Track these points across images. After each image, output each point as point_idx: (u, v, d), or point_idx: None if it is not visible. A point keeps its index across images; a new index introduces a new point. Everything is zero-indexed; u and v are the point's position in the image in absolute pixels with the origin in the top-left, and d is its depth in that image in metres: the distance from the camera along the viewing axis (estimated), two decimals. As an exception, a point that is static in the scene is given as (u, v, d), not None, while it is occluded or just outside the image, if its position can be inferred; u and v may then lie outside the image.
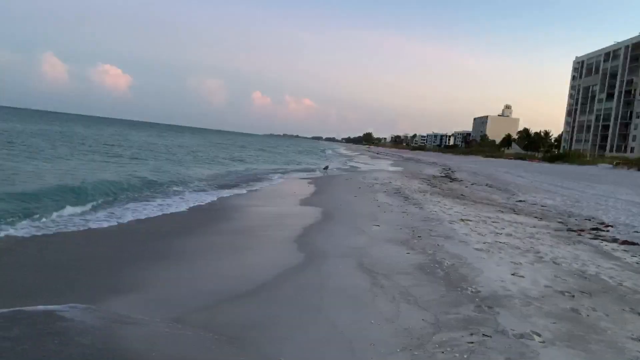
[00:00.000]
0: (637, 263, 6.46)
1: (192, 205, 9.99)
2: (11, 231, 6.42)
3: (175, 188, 12.13)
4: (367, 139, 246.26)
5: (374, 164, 42.97)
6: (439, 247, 7.04)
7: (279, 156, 39.19)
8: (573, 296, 4.96)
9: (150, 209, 8.93)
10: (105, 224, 7.42)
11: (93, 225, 7.25)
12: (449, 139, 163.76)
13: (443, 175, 26.73)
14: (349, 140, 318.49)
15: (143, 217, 8.25)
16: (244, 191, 13.11)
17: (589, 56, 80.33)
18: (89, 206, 8.35)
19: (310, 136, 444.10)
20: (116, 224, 7.50)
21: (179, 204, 9.88)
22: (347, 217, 9.80)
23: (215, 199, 11.11)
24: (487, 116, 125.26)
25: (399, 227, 8.62)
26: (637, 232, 8.89)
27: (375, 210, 10.63)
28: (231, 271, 5.56)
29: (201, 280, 5.18)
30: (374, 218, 9.57)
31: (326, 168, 25.03)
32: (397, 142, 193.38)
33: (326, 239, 7.50)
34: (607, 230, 8.95)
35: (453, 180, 22.75)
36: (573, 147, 77.52)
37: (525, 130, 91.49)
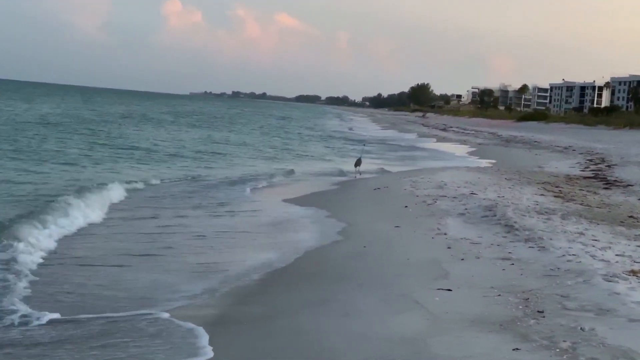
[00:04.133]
0: None
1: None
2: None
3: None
4: (417, 99, 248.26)
5: (433, 152, 43.51)
6: (584, 333, 7.02)
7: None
8: None
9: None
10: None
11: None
12: (599, 94, 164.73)
13: (589, 174, 26.87)
14: (379, 103, 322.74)
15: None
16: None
17: None
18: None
19: (293, 96, 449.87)
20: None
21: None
22: (380, 271, 10.00)
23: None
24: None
25: (495, 291, 8.71)
26: None
27: (442, 255, 10.83)
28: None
29: None
30: (438, 272, 9.76)
31: (358, 164, 26.19)
32: (485, 102, 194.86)
33: (337, 323, 7.56)
34: None
35: (610, 184, 22.82)
36: None
37: None
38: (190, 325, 7.54)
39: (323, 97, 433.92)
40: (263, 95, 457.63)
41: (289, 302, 8.49)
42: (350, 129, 79.63)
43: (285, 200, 17.82)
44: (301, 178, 25.04)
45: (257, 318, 7.86)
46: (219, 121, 77.00)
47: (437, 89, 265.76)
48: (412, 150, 44.91)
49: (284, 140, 49.79)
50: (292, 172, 26.79)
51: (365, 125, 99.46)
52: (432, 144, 53.46)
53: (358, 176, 24.89)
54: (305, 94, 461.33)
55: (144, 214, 15.40)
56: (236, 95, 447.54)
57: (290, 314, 7.94)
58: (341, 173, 26.50)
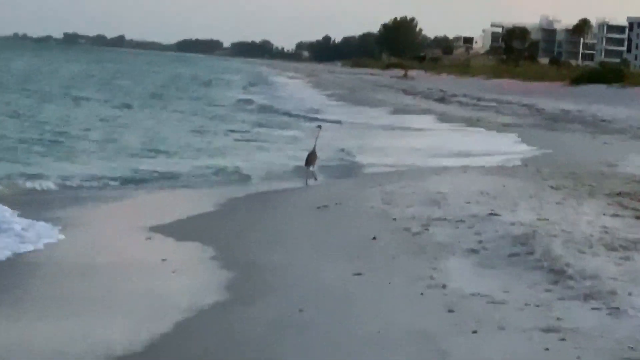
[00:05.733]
0: None
1: None
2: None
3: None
4: (394, 46, 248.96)
5: (420, 137, 44.28)
6: None
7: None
8: None
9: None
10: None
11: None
12: None
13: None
14: (327, 53, 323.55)
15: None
16: None
17: None
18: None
19: (173, 41, 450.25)
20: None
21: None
22: (329, 353, 9.98)
23: None
24: None
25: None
26: None
27: (438, 324, 10.85)
28: None
29: None
30: (432, 356, 9.77)
31: (311, 162, 25.61)
32: (513, 51, 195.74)
33: None
34: None
35: None
36: None
37: None
38: None
39: (227, 44, 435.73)
40: (120, 41, 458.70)
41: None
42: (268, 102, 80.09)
43: (152, 229, 17.73)
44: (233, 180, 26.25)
45: None
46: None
47: (430, 29, 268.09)
48: (382, 136, 45.14)
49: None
50: (237, 171, 28.55)
51: (301, 92, 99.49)
52: (416, 124, 53.91)
53: (312, 182, 25.22)
54: (194, 37, 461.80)
55: None
56: (72, 39, 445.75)
57: None
58: (307, 171, 26.11)
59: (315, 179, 25.32)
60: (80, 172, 27.28)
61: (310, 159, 25.68)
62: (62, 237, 16.89)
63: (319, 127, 30.26)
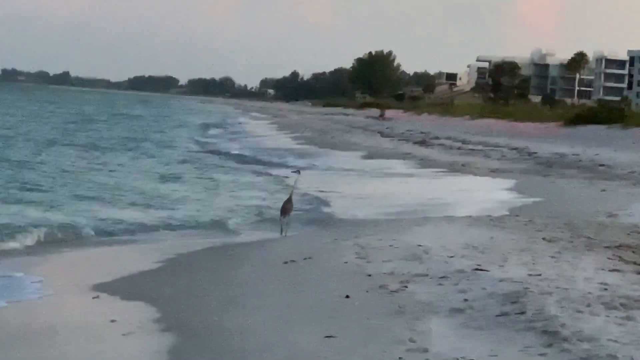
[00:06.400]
0: None
1: None
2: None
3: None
4: (369, 82, 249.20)
5: (397, 184, 44.54)
6: None
7: None
8: None
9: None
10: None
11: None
12: None
13: None
14: (294, 91, 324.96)
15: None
16: None
17: None
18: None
19: (124, 78, 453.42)
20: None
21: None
22: None
23: None
24: None
25: None
26: None
27: None
28: None
29: None
30: None
31: (287, 211, 25.86)
32: (502, 88, 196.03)
33: None
34: None
35: None
36: None
37: None
38: None
39: (183, 81, 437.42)
40: (64, 77, 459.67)
41: None
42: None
43: (95, 288, 17.69)
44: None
45: None
46: None
47: (409, 64, 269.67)
48: (357, 183, 45.30)
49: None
50: (196, 222, 29.03)
51: (266, 135, 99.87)
52: (394, 169, 54.20)
53: (279, 235, 25.16)
54: (147, 74, 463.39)
55: None
56: (10, 76, 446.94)
57: None
58: (282, 221, 26.01)
59: (285, 234, 25.14)
60: (35, 222, 27.26)
61: (286, 208, 25.69)
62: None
63: (298, 172, 29.64)
